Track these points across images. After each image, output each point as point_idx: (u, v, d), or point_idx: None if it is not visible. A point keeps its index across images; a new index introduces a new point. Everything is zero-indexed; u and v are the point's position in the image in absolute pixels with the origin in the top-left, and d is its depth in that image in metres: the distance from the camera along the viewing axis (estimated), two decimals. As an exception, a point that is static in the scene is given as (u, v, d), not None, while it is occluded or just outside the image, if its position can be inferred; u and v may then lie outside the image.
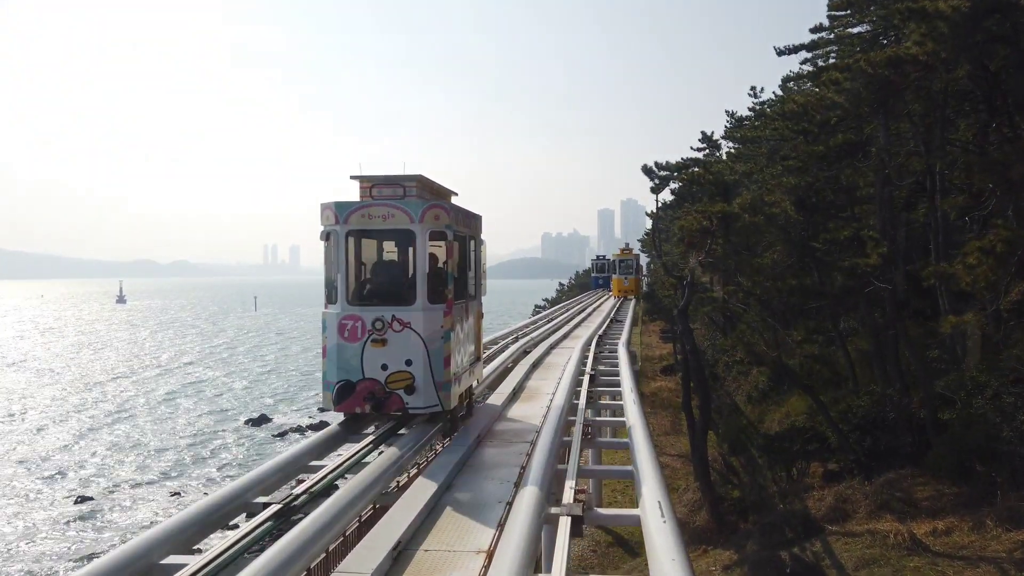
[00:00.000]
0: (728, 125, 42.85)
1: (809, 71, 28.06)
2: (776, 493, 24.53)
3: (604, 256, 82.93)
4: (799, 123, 21.48)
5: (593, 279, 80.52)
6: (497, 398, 11.89)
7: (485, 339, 19.58)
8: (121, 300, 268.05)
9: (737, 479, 30.38)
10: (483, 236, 10.97)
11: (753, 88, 36.69)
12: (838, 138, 21.42)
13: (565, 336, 23.43)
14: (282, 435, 53.65)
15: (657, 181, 23.79)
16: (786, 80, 31.17)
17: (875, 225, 20.06)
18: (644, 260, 74.36)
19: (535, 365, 16.23)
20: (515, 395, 12.75)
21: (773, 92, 42.09)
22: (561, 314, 33.23)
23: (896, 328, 19.76)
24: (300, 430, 54.10)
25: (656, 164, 23.61)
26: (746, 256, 19.06)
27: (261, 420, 58.96)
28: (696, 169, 22.66)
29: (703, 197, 23.56)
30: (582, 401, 11.98)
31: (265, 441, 52.69)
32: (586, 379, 14.08)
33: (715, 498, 22.40)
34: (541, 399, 12.25)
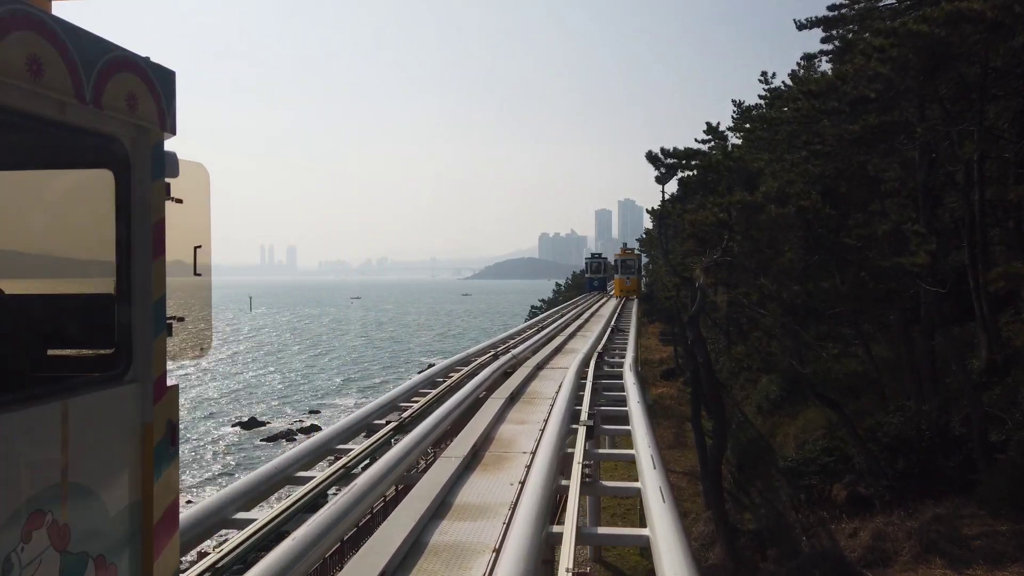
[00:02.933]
0: (735, 115, 40.16)
1: (833, 48, 25.28)
2: (797, 522, 21.72)
3: (600, 255, 70.49)
4: (826, 102, 18.63)
5: (587, 281, 67.31)
6: (443, 468, 7.91)
7: (458, 356, 15.95)
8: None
9: (748, 500, 27.58)
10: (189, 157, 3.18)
11: (764, 74, 33.90)
12: (871, 118, 18.59)
13: (557, 351, 19.18)
14: (272, 439, 51.40)
15: (663, 170, 20.94)
16: (807, 58, 28.43)
17: (918, 218, 17.25)
18: (643, 260, 70.27)
19: (514, 397, 12.32)
20: (476, 455, 8.81)
21: (782, 82, 39.41)
22: (554, 321, 28.16)
23: (941, 335, 16.91)
24: (290, 435, 51.83)
25: (662, 150, 20.75)
26: (769, 254, 16.25)
27: (250, 423, 56.65)
28: (714, 153, 19.73)
29: (721, 185, 20.60)
30: (572, 495, 7.19)
31: (255, 446, 50.69)
32: (582, 433, 9.49)
33: (730, 531, 19.58)
34: (512, 466, 8.31)
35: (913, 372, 22.57)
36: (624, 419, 10.30)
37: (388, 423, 10.01)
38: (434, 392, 12.41)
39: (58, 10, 2.55)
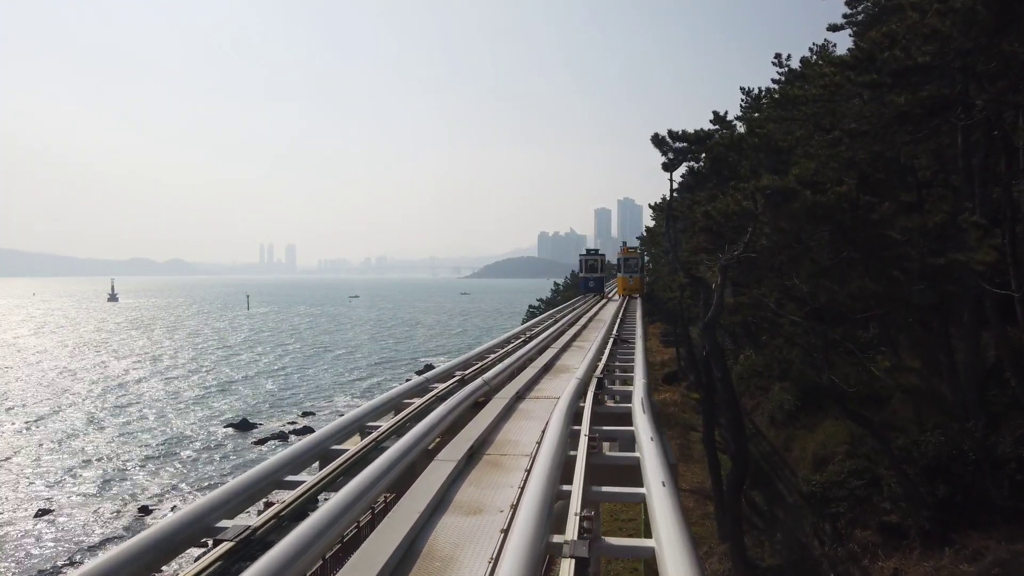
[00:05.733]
0: (744, 104, 37.67)
1: (858, 21, 22.72)
2: (824, 556, 19.12)
3: (596, 251, 59.27)
4: (864, 73, 15.96)
5: (582, 282, 56.29)
6: None
7: (414, 382, 11.51)
8: (113, 298, 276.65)
9: (764, 523, 24.98)
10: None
11: (778, 56, 31.40)
12: (909, 94, 15.94)
13: (546, 370, 14.43)
14: (262, 442, 49.81)
15: (671, 156, 18.29)
16: (832, 28, 25.87)
17: (974, 208, 14.60)
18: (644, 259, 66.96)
19: (475, 451, 7.97)
20: None
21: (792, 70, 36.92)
22: (546, 328, 22.89)
23: (999, 345, 14.28)
24: (283, 436, 50.49)
25: (670, 133, 18.08)
26: (800, 249, 13.62)
27: (243, 425, 54.37)
28: (739, 131, 17.05)
29: (743, 169, 17.87)
30: None
31: (245, 449, 48.56)
32: (568, 572, 4.49)
33: (749, 568, 16.99)
34: None
35: (952, 383, 19.97)
36: (638, 514, 6.02)
37: (217, 545, 5.08)
38: (351, 451, 7.56)
39: None
